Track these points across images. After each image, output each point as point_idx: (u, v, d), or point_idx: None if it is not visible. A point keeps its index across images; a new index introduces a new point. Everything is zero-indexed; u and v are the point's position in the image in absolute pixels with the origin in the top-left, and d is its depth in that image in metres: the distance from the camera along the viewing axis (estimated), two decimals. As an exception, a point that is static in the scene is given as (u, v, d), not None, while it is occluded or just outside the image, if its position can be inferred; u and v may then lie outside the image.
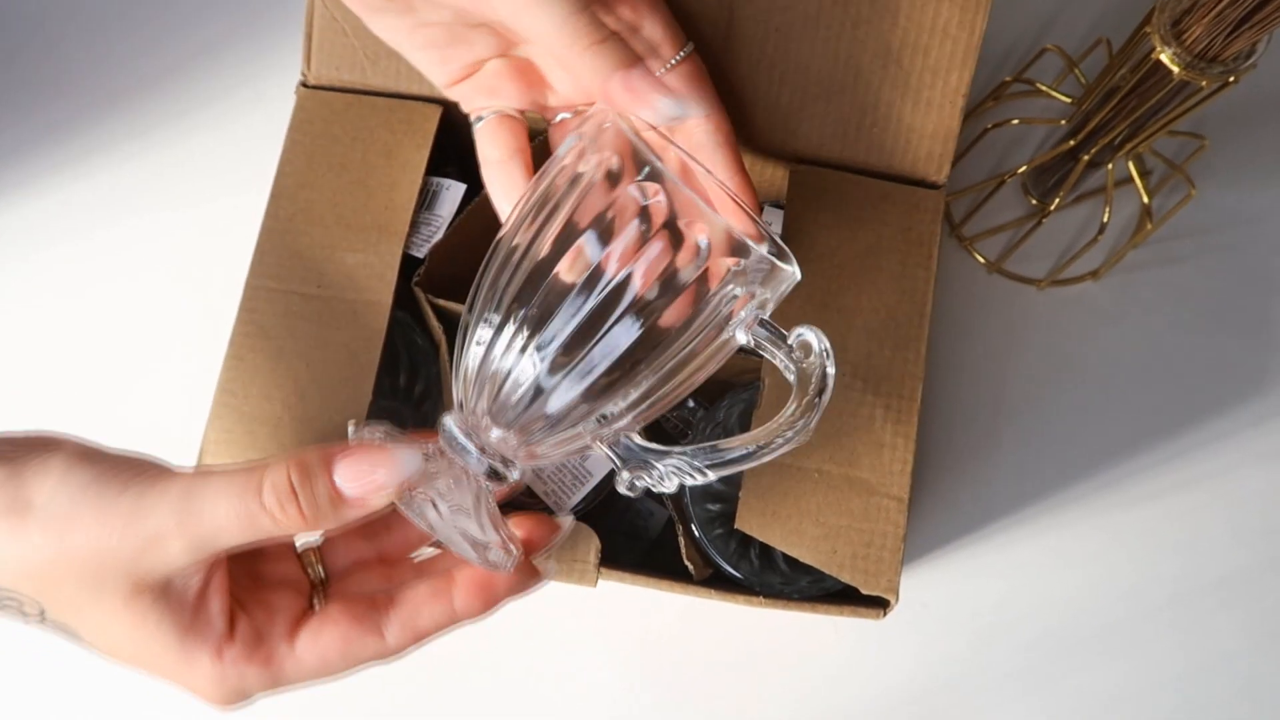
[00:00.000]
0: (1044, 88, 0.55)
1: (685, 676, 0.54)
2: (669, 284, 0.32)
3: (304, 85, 0.48)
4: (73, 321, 0.58)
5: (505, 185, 0.41)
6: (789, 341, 0.34)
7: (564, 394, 0.33)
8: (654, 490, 0.35)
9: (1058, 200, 0.55)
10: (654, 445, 0.35)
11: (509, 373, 0.33)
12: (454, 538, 0.33)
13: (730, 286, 0.33)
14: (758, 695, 0.54)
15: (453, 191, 0.49)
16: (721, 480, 0.49)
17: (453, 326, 0.47)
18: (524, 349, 0.33)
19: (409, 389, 0.51)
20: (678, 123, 0.39)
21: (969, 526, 0.56)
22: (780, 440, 0.34)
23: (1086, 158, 0.53)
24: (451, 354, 0.47)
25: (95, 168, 0.60)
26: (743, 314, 0.34)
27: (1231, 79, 0.44)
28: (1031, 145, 0.61)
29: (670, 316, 0.33)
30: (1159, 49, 0.44)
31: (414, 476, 0.31)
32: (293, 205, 0.46)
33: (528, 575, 0.35)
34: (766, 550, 0.48)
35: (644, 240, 0.32)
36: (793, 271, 0.34)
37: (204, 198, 0.60)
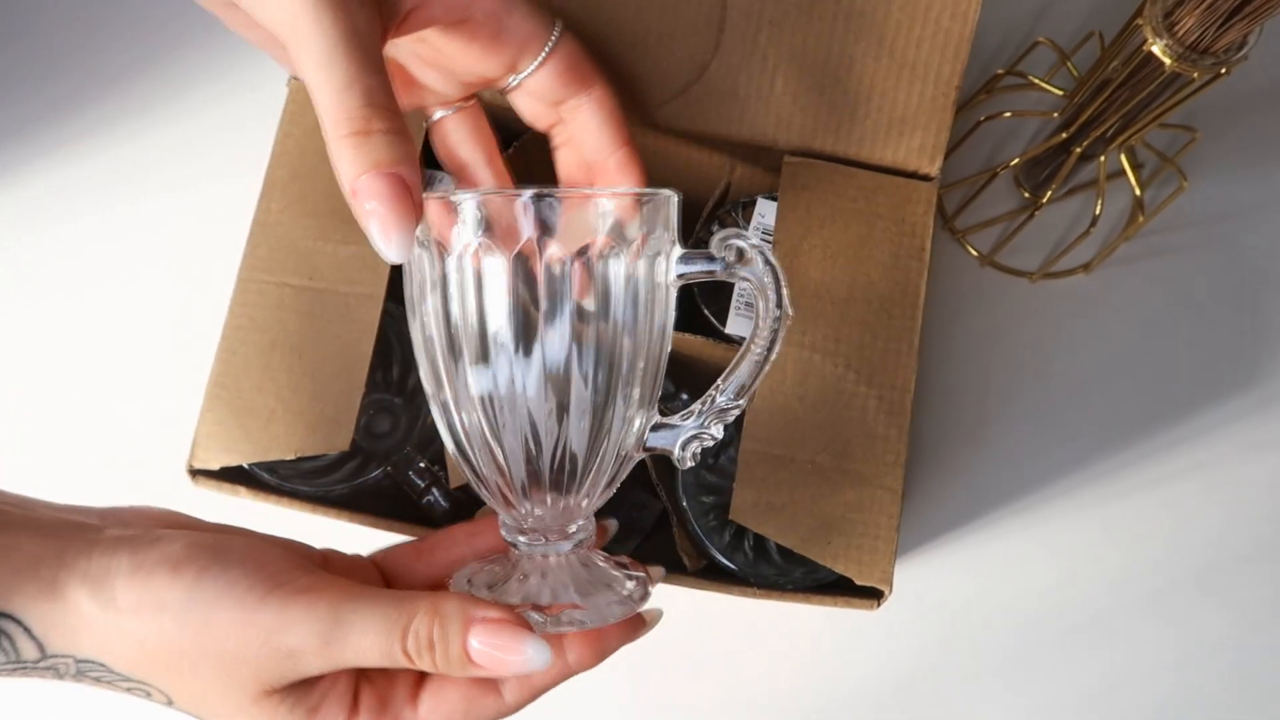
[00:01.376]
0: (1036, 80, 0.55)
1: (677, 667, 0.54)
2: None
3: (295, 77, 0.48)
4: (63, 312, 0.58)
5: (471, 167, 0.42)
6: (719, 257, 0.34)
7: (583, 438, 0.34)
8: (709, 445, 0.36)
9: (1050, 193, 0.56)
10: (681, 415, 0.37)
11: (530, 453, 0.34)
12: (605, 614, 0.34)
13: (642, 257, 0.33)
14: (751, 685, 0.54)
15: (445, 183, 0.49)
16: (715, 473, 0.50)
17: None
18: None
19: (402, 381, 0.51)
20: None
21: (962, 518, 0.56)
22: (771, 342, 0.35)
23: (1079, 150, 0.53)
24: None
25: (86, 155, 0.60)
26: (661, 263, 0.34)
27: (1223, 71, 0.44)
28: (1024, 138, 0.61)
29: (629, 329, 0.34)
30: (1151, 41, 0.44)
31: (543, 665, 0.32)
32: (285, 197, 0.46)
33: (636, 624, 0.36)
34: (760, 542, 0.48)
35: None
36: (667, 194, 0.34)
37: (196, 187, 0.59)
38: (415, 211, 0.31)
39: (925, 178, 0.47)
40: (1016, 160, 0.55)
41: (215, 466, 0.43)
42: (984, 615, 0.55)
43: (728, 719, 0.53)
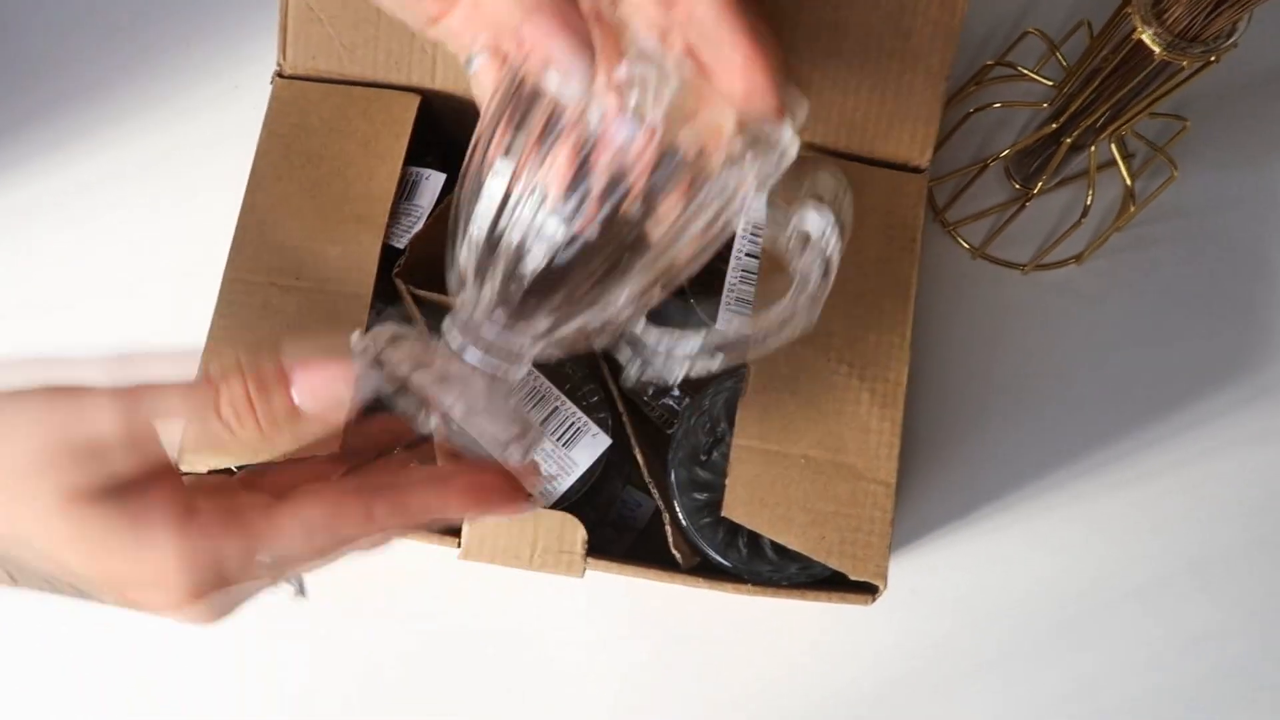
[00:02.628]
0: (1025, 71, 0.55)
1: (673, 665, 0.54)
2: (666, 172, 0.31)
3: (279, 75, 0.48)
4: (46, 314, 0.58)
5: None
6: (787, 232, 0.33)
7: (565, 280, 0.32)
8: (659, 384, 0.35)
9: (1041, 184, 0.55)
10: (657, 335, 0.35)
11: (522, 245, 0.32)
12: (469, 426, 0.32)
13: (729, 173, 0.32)
14: (747, 681, 0.54)
15: (432, 181, 0.48)
16: (708, 469, 0.49)
17: (435, 317, 0.47)
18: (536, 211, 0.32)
19: (392, 382, 0.50)
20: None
21: (956, 512, 0.56)
22: (782, 332, 0.34)
23: (1069, 141, 0.53)
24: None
25: (69, 159, 0.59)
26: (740, 193, 0.33)
27: (1213, 59, 0.44)
28: (1014, 129, 0.61)
29: (666, 215, 0.32)
30: (1140, 29, 0.44)
31: (372, 395, 0.30)
32: (270, 197, 0.45)
33: (517, 494, 0.33)
34: (754, 538, 0.47)
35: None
36: (788, 147, 0.32)
37: (180, 189, 0.59)
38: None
39: (916, 170, 0.47)
40: (1007, 151, 0.55)
41: (203, 469, 0.43)
42: (979, 610, 0.55)
43: (723, 716, 0.53)
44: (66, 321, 0.57)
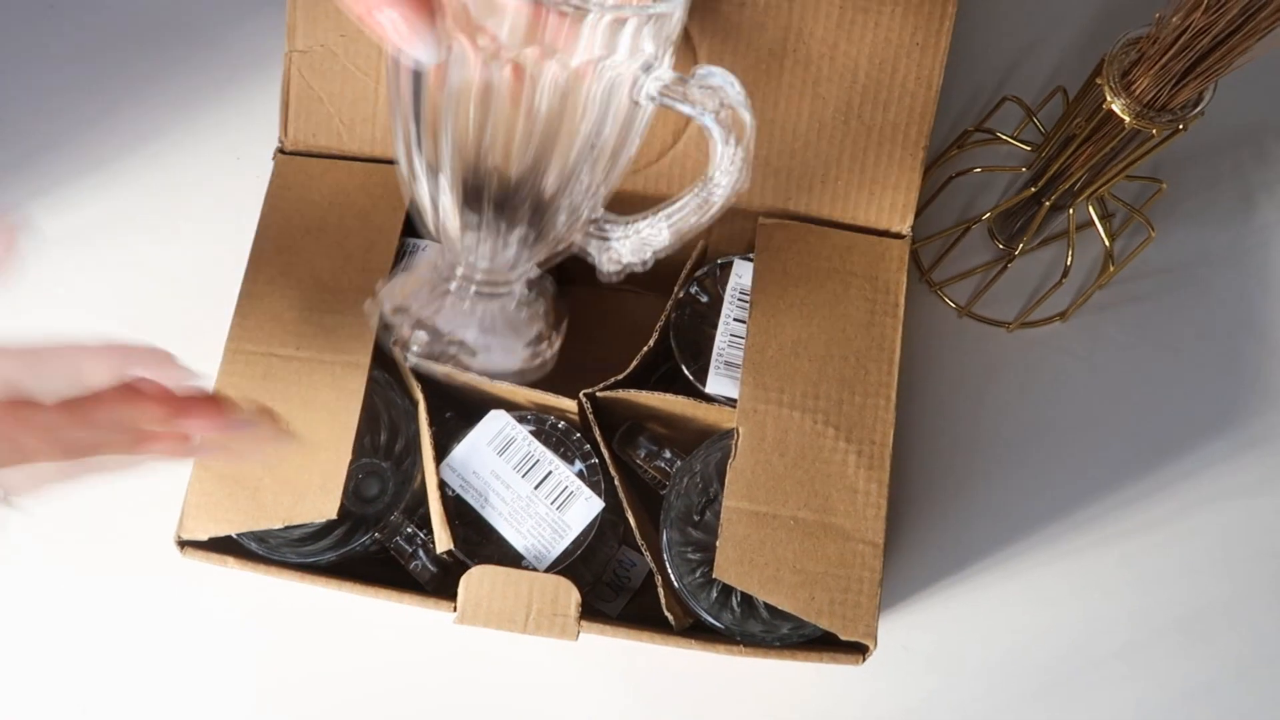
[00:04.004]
0: (1004, 136, 0.57)
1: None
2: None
3: (281, 151, 0.49)
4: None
5: None
6: (691, 86, 0.35)
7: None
8: (634, 267, 0.39)
9: (1023, 244, 0.57)
10: (618, 221, 0.39)
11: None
12: (500, 349, 0.38)
13: (607, 63, 0.34)
14: (744, 744, 0.54)
15: (429, 253, 0.50)
16: (701, 529, 0.50)
17: (431, 384, 0.48)
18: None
19: (389, 447, 0.51)
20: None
21: (946, 569, 0.56)
22: (719, 188, 0.37)
23: (1048, 202, 0.54)
24: (430, 414, 0.48)
25: (72, 230, 0.61)
26: (638, 75, 0.35)
27: (1181, 127, 0.46)
28: (996, 191, 0.63)
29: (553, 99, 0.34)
30: (1110, 100, 0.46)
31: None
32: (271, 268, 0.47)
33: (220, 413, 0.35)
34: (748, 597, 0.48)
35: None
36: (669, 10, 0.34)
37: (184, 258, 0.60)
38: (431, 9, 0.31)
39: (897, 235, 0.48)
40: (989, 214, 0.57)
41: (203, 537, 0.44)
42: (970, 666, 0.55)
43: (721, 777, 0.53)
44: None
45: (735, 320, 0.48)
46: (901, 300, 0.47)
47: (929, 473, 0.58)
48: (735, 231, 0.50)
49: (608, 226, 0.39)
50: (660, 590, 0.46)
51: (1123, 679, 0.55)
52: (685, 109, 0.35)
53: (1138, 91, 0.45)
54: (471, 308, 0.38)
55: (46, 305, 0.60)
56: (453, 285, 0.39)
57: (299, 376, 0.45)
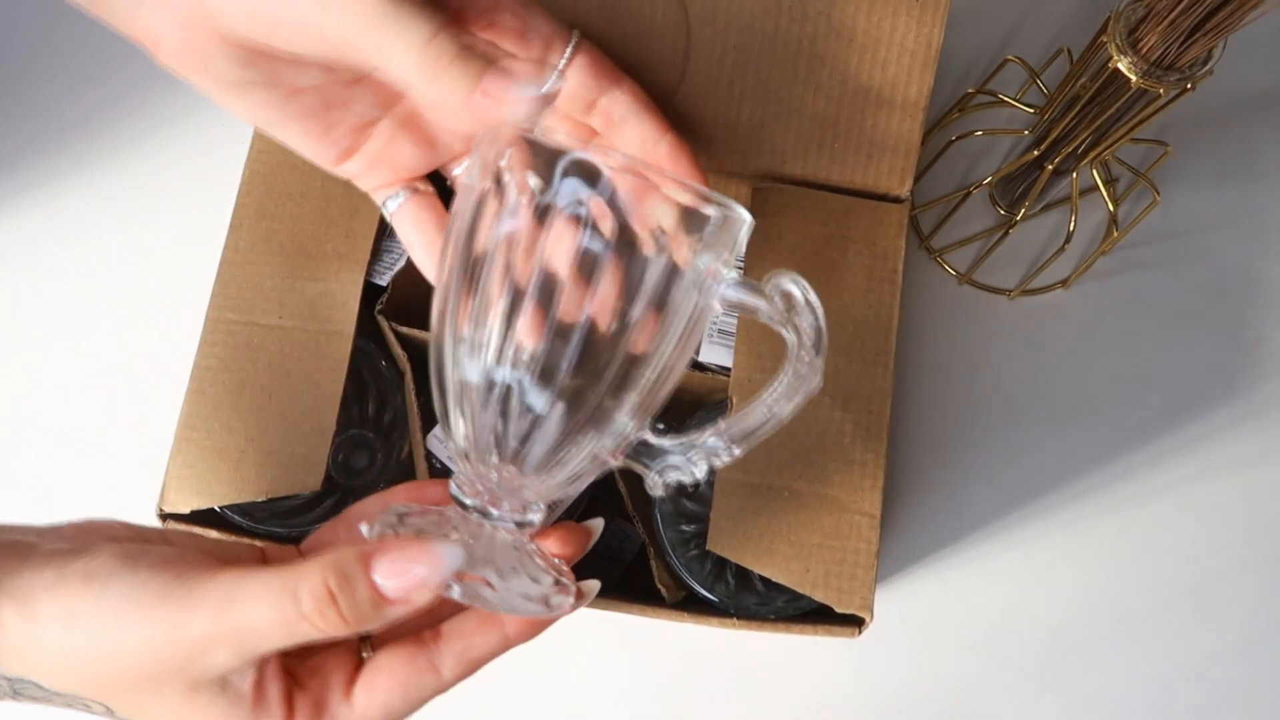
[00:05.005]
0: (1007, 98, 0.55)
1: (665, 697, 0.53)
2: (633, 295, 0.32)
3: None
4: (32, 357, 0.58)
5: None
6: (767, 293, 0.33)
7: (562, 423, 0.33)
8: (686, 482, 0.35)
9: (1024, 210, 0.55)
10: (672, 441, 0.35)
11: (505, 416, 0.33)
12: (514, 603, 0.33)
13: (693, 265, 0.32)
14: (739, 713, 0.53)
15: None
16: (696, 501, 0.49)
17: (417, 353, 0.47)
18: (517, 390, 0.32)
19: (378, 418, 0.50)
20: (548, 102, 0.36)
21: (945, 540, 0.55)
22: (792, 402, 0.34)
23: (1051, 167, 0.53)
24: (416, 384, 0.47)
25: (54, 196, 0.59)
26: (710, 280, 0.33)
27: (1189, 86, 0.44)
28: (998, 156, 0.61)
29: (645, 330, 0.32)
30: (1116, 58, 0.44)
31: (456, 568, 0.31)
32: (252, 235, 0.46)
33: (576, 596, 0.35)
34: (743, 570, 0.47)
35: (592, 257, 0.31)
36: (745, 217, 0.33)
37: (164, 228, 0.59)
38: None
39: (896, 199, 0.47)
40: (990, 178, 0.55)
41: (185, 510, 0.43)
42: (969, 638, 0.54)
43: (715, 750, 0.53)
44: (43, 356, 0.58)
45: (729, 287, 0.47)
46: (900, 266, 0.46)
47: (927, 443, 0.57)
48: (730, 196, 0.49)
49: (656, 445, 0.35)
50: (653, 562, 0.46)
51: (1123, 650, 0.54)
52: (759, 308, 0.33)
53: (1144, 49, 0.44)
54: (488, 537, 0.34)
55: (40, 293, 0.59)
56: (461, 511, 0.35)
57: (281, 345, 0.44)
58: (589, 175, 0.31)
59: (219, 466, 0.43)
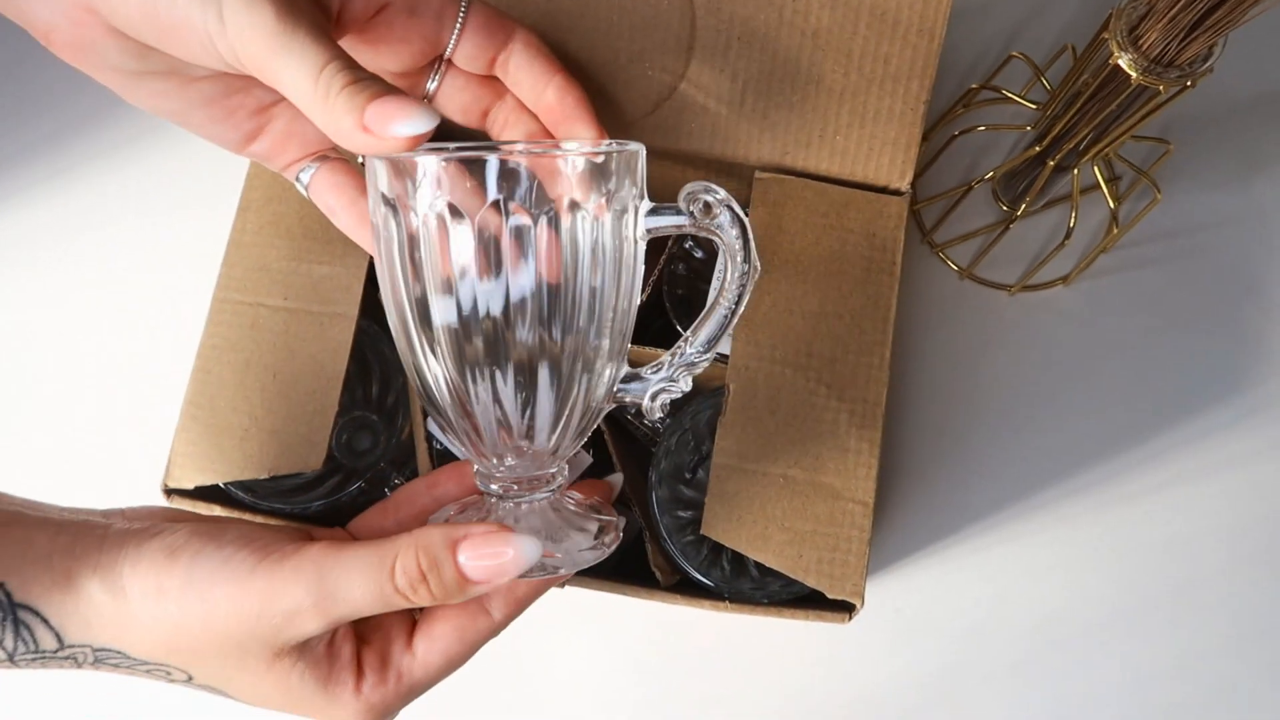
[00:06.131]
0: (1010, 94, 0.56)
1: (659, 680, 0.54)
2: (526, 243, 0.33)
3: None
4: (43, 336, 0.59)
5: (365, 227, 0.40)
6: (686, 210, 0.35)
7: (552, 384, 0.35)
8: (675, 396, 0.38)
9: (1026, 205, 0.56)
10: (651, 367, 0.38)
11: (498, 401, 0.35)
12: (578, 559, 0.35)
13: (580, 211, 0.33)
14: (733, 698, 0.54)
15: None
16: (693, 487, 0.50)
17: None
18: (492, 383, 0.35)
19: (381, 399, 0.51)
20: (433, 127, 0.37)
21: (941, 532, 0.56)
22: (739, 297, 0.36)
23: (1053, 163, 0.53)
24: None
25: (68, 183, 0.60)
26: (618, 215, 0.34)
27: (1189, 83, 0.44)
28: (1001, 152, 0.62)
29: (553, 270, 0.34)
30: (1116, 54, 0.45)
31: (537, 559, 0.33)
32: (260, 218, 0.46)
33: (617, 520, 0.38)
34: (739, 555, 0.48)
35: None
36: (637, 148, 0.35)
37: (172, 213, 0.60)
38: (426, 106, 0.32)
39: (896, 192, 0.47)
40: (992, 174, 0.56)
41: (190, 485, 0.43)
42: (963, 630, 0.55)
43: (709, 735, 0.53)
44: (57, 336, 0.58)
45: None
46: (899, 258, 0.46)
47: (925, 436, 0.57)
48: (730, 187, 0.49)
49: (640, 375, 0.38)
50: (648, 545, 0.46)
51: (1114, 646, 0.55)
52: (680, 224, 0.35)
53: (1145, 46, 0.44)
54: (519, 512, 0.37)
55: (46, 270, 0.59)
56: (496, 498, 0.37)
57: (286, 327, 0.45)
58: (507, 173, 0.32)
59: (223, 444, 0.44)
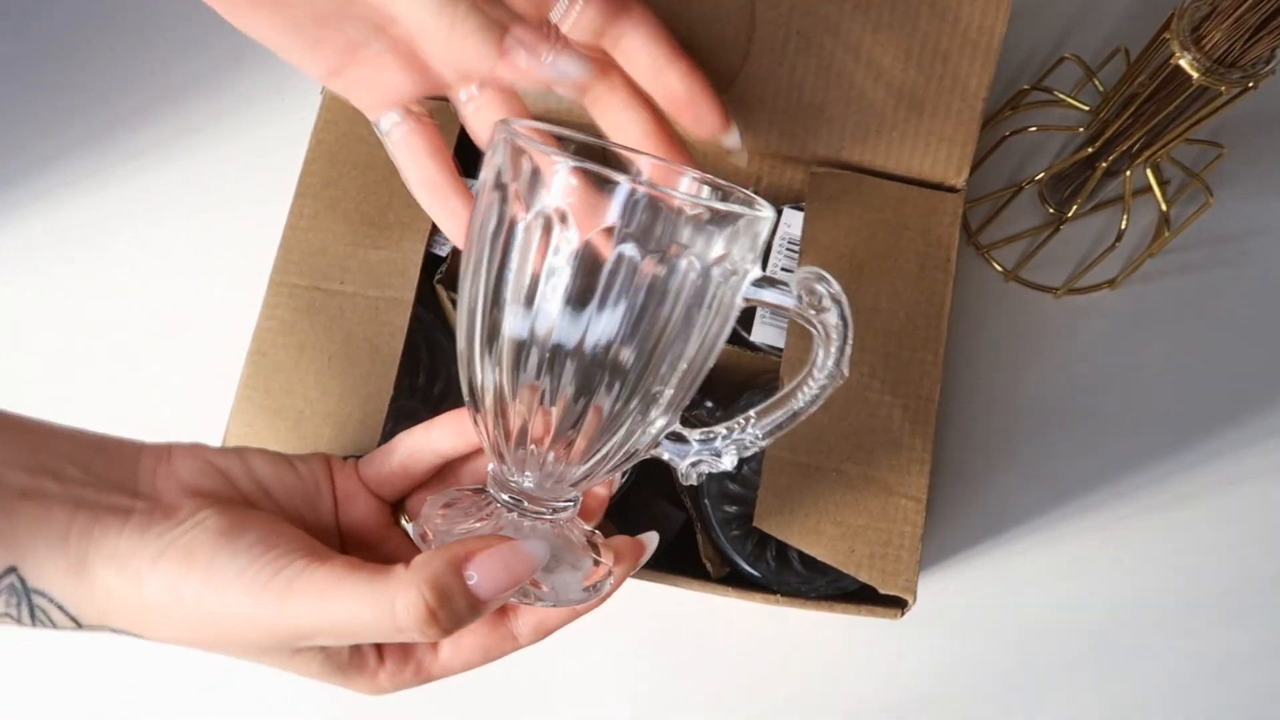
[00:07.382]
0: (1062, 95, 0.56)
1: (695, 677, 0.54)
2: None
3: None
4: (102, 320, 0.59)
5: (432, 192, 0.40)
6: (794, 292, 0.33)
7: (594, 423, 0.33)
8: (714, 472, 0.36)
9: (1075, 208, 0.56)
10: (701, 433, 0.36)
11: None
12: (562, 599, 0.34)
13: (689, 259, 0.32)
14: (770, 697, 0.54)
15: (474, 190, 0.49)
16: (739, 483, 0.50)
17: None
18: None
19: (428, 388, 0.51)
20: (584, 81, 0.36)
21: (983, 534, 0.56)
22: (817, 397, 0.34)
23: (1104, 165, 0.53)
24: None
25: (127, 174, 0.61)
26: (735, 279, 0.33)
27: (1251, 85, 0.44)
28: (1049, 154, 0.62)
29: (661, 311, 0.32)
30: (1178, 54, 0.45)
31: (544, 563, 0.32)
32: (317, 202, 0.46)
33: (631, 566, 0.36)
34: (783, 551, 0.48)
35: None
36: (767, 215, 0.33)
37: (231, 200, 0.60)
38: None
39: (951, 189, 0.47)
40: (1041, 175, 0.55)
41: (255, 444, 0.43)
42: (1004, 632, 0.55)
43: (748, 731, 0.53)
44: (110, 319, 0.59)
45: (782, 270, 0.47)
46: (953, 255, 0.46)
47: (970, 437, 0.57)
48: (785, 180, 0.49)
49: (687, 436, 0.36)
50: (699, 539, 0.46)
51: (1159, 651, 0.54)
52: (784, 304, 0.33)
53: (1208, 46, 0.44)
54: (521, 526, 0.35)
55: (106, 256, 0.60)
56: (503, 507, 0.36)
57: (342, 310, 0.45)
58: (633, 202, 0.31)
59: (277, 426, 0.44)
